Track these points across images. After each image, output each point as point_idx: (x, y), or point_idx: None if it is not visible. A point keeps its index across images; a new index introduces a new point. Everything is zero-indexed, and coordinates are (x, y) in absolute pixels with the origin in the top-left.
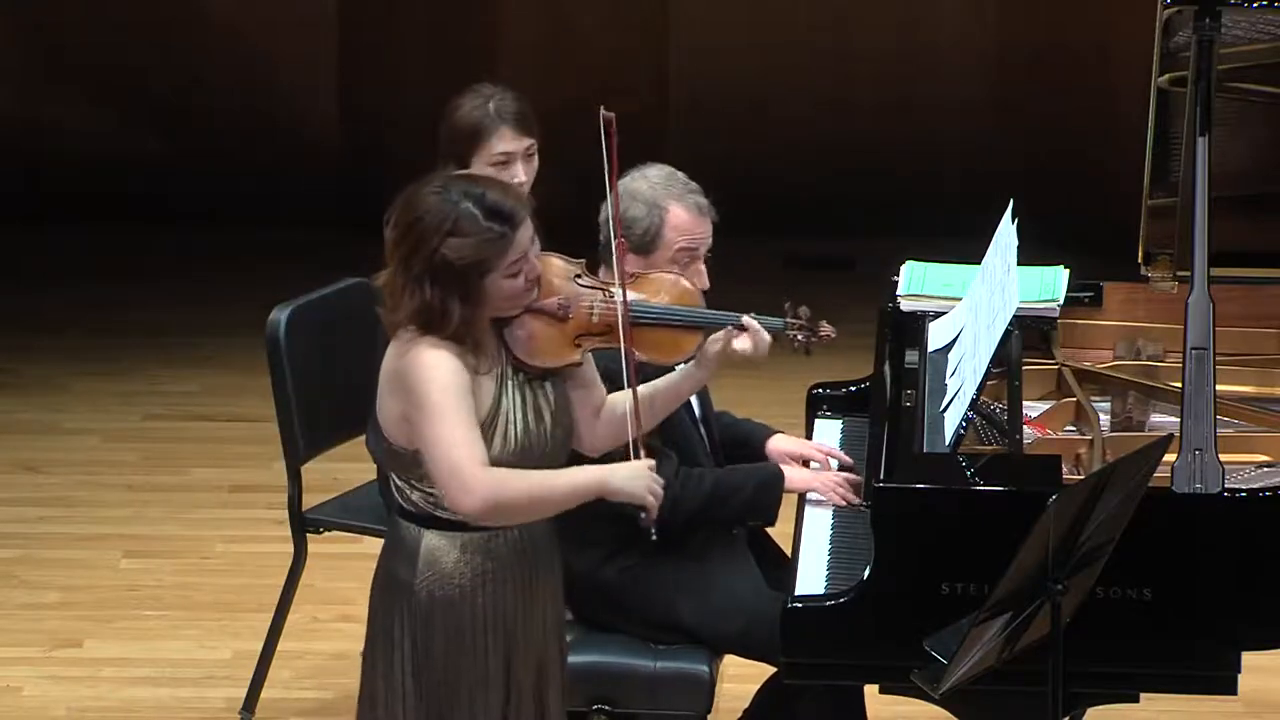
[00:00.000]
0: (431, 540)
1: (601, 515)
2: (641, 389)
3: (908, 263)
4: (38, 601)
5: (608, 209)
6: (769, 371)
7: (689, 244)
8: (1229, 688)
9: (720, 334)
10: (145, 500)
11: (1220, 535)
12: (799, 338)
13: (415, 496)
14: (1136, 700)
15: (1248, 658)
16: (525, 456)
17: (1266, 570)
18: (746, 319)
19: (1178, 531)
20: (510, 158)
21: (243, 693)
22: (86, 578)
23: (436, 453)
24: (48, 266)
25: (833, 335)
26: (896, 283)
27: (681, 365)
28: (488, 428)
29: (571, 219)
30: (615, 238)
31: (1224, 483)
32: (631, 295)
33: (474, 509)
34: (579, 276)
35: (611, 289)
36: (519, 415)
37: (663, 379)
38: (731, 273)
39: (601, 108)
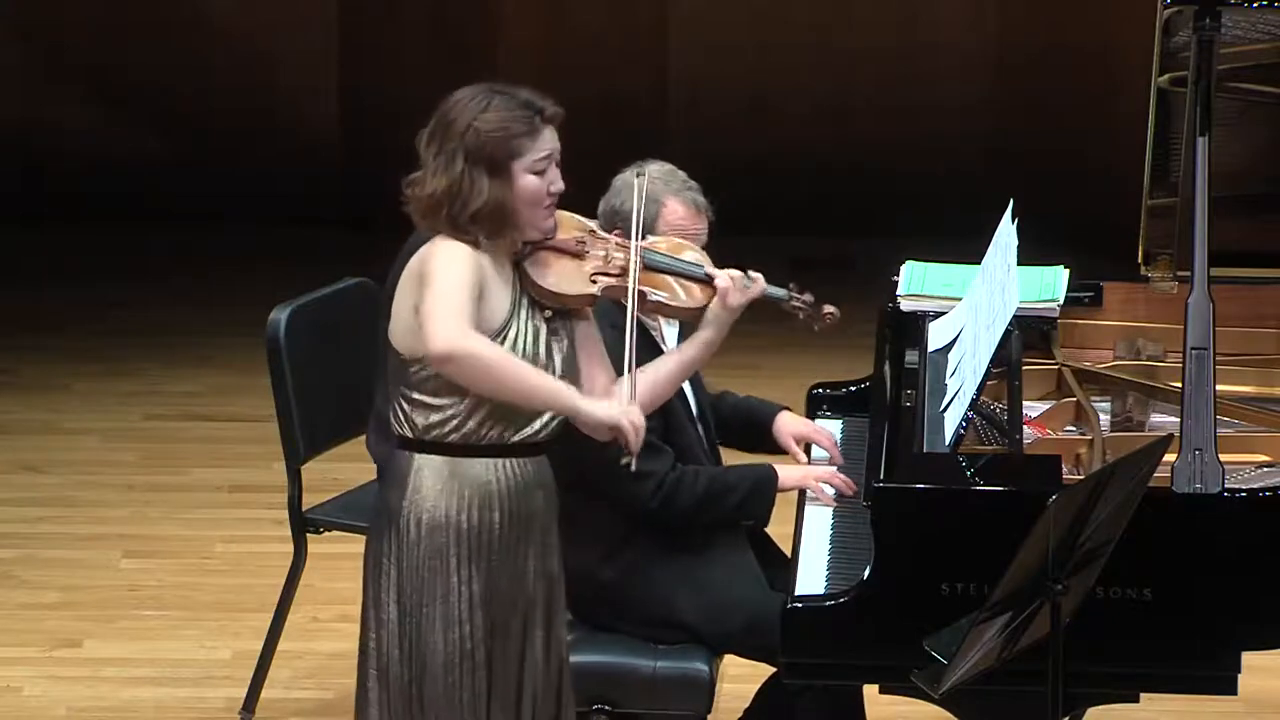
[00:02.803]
0: (421, 463)
1: (602, 513)
2: (653, 361)
3: (908, 263)
4: (38, 601)
5: (609, 200)
6: (769, 371)
7: (683, 237)
8: (1229, 688)
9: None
10: (145, 500)
11: (1220, 535)
12: (801, 313)
13: (417, 417)
14: (1136, 700)
15: (1248, 658)
16: None
17: (1266, 570)
18: (752, 273)
19: (1178, 531)
20: None
21: (243, 693)
22: (86, 578)
23: (429, 303)
24: (48, 266)
25: (836, 315)
26: (896, 283)
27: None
28: (491, 339)
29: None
30: (639, 206)
31: (1224, 483)
32: (646, 247)
33: (443, 346)
34: (593, 230)
35: (625, 242)
36: (525, 343)
37: (673, 351)
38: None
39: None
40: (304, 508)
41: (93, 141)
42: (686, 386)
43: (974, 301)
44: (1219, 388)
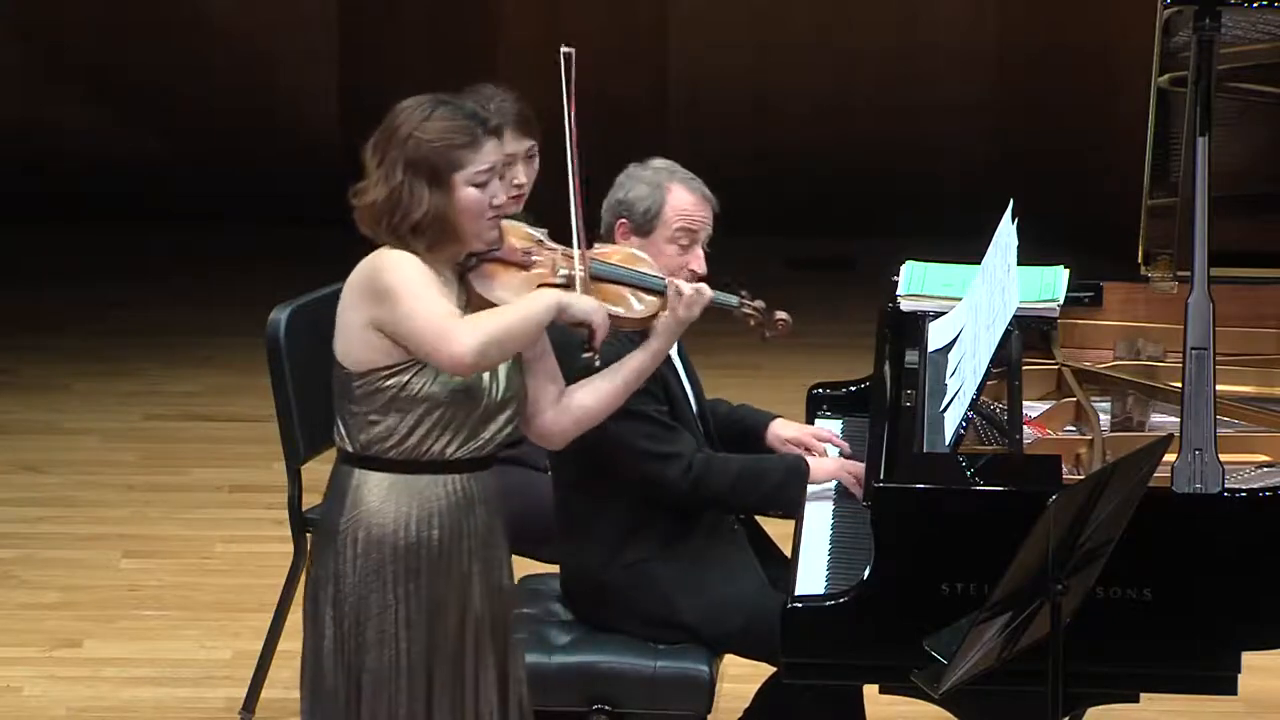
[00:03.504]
0: (361, 479)
1: (603, 513)
2: (599, 374)
3: (908, 263)
4: (38, 601)
5: (614, 193)
6: (769, 371)
7: (689, 224)
8: (1229, 688)
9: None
10: (145, 500)
11: (1220, 535)
12: (752, 320)
13: (358, 433)
14: (1136, 700)
15: (1248, 658)
16: (455, 399)
17: (1266, 570)
18: (700, 284)
19: (1178, 531)
20: (511, 159)
21: (243, 693)
22: (86, 578)
23: (418, 323)
24: (48, 266)
25: (788, 322)
26: (896, 283)
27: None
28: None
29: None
30: (574, 177)
31: (1224, 483)
32: (595, 257)
33: (469, 355)
34: (541, 240)
35: (570, 252)
36: None
37: (621, 362)
38: (732, 272)
39: (562, 46)
40: (304, 508)
41: (93, 141)
42: (686, 385)
43: (974, 301)
44: (1219, 388)
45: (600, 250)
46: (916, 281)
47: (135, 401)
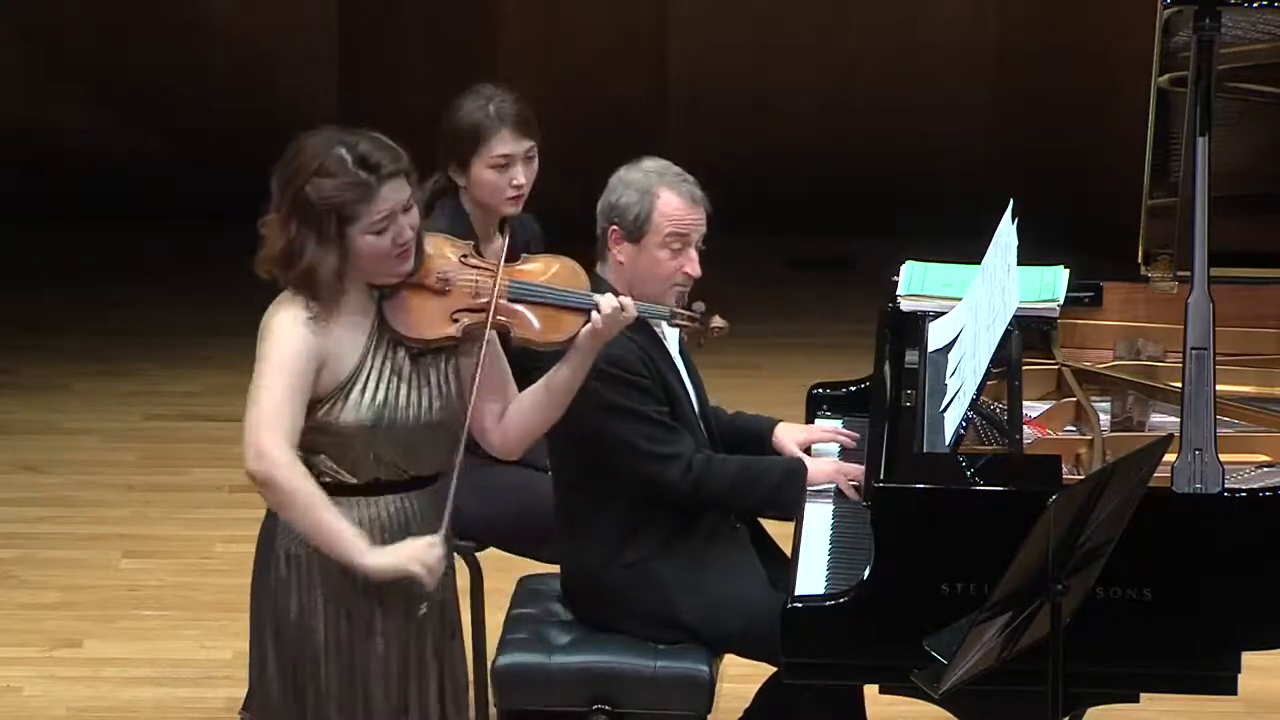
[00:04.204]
0: None
1: (602, 513)
2: (530, 389)
3: (908, 263)
4: (38, 601)
5: (606, 197)
6: (769, 371)
7: (679, 229)
8: (1229, 688)
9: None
10: (145, 500)
11: (1220, 535)
12: (686, 329)
13: None
14: (1136, 700)
15: (1248, 658)
16: (378, 427)
17: (1266, 570)
18: (624, 299)
19: (1178, 531)
20: (510, 160)
21: (243, 693)
22: (86, 578)
23: (250, 411)
24: (48, 266)
25: (724, 329)
26: (896, 283)
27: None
28: (342, 389)
29: (572, 219)
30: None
31: (1224, 483)
32: (516, 276)
33: (251, 470)
34: (465, 257)
35: (495, 270)
36: (379, 385)
37: (541, 380)
38: (732, 272)
39: None
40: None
41: (93, 141)
42: (688, 385)
43: (974, 301)
44: (1219, 388)
45: (525, 269)
46: (916, 281)
47: (135, 401)
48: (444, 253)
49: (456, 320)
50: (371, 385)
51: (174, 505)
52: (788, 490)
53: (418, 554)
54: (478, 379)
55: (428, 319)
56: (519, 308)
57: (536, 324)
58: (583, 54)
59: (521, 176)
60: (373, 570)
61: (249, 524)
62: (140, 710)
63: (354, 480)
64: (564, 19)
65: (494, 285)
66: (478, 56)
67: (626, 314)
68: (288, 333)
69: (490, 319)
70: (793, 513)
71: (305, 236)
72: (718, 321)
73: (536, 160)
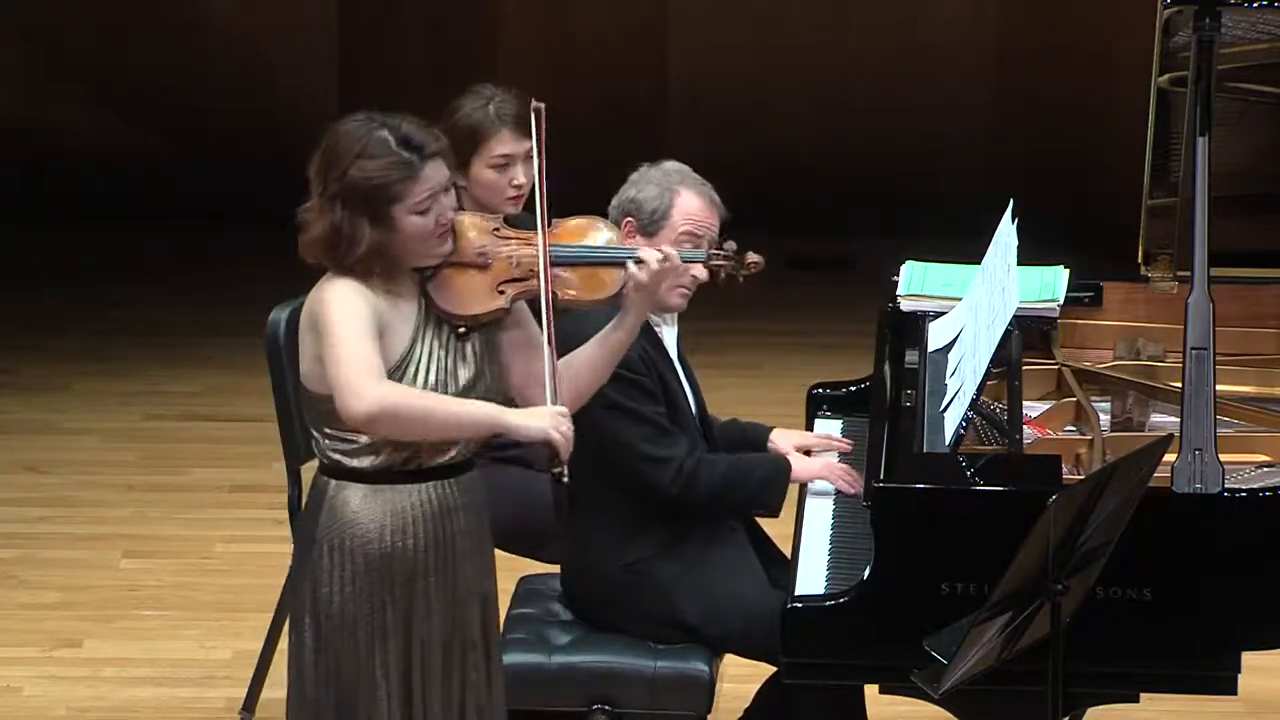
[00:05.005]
0: (337, 490)
1: (603, 513)
2: (581, 350)
3: (908, 263)
4: (38, 601)
5: (625, 190)
6: (769, 371)
7: (694, 229)
8: (1229, 688)
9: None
10: (145, 500)
11: (1220, 535)
12: (723, 269)
13: (329, 449)
14: (1136, 700)
15: (1248, 658)
16: None
17: (1266, 570)
18: (666, 248)
19: (1178, 531)
20: (510, 160)
21: (243, 693)
22: (86, 578)
23: (335, 367)
24: (48, 266)
25: (760, 264)
26: (896, 283)
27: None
28: (396, 372)
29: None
30: (541, 204)
31: (1224, 483)
32: (553, 240)
33: (362, 413)
34: (497, 229)
35: (528, 237)
36: (428, 367)
37: (594, 340)
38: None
39: (533, 100)
40: (304, 508)
41: (93, 141)
42: (686, 387)
43: (974, 301)
44: (1219, 388)
45: (558, 232)
46: (916, 281)
47: (135, 401)
48: (477, 228)
49: (503, 292)
50: (424, 367)
51: (174, 505)
52: (771, 490)
53: (556, 422)
54: (547, 334)
55: (474, 295)
56: (561, 272)
57: (580, 284)
58: (583, 54)
59: (522, 176)
60: (519, 430)
61: (249, 524)
62: (140, 710)
63: (395, 467)
64: (564, 19)
65: (540, 250)
66: (478, 56)
67: (671, 262)
68: (346, 298)
69: (546, 286)
70: (776, 511)
71: (356, 220)
72: (753, 257)
73: None
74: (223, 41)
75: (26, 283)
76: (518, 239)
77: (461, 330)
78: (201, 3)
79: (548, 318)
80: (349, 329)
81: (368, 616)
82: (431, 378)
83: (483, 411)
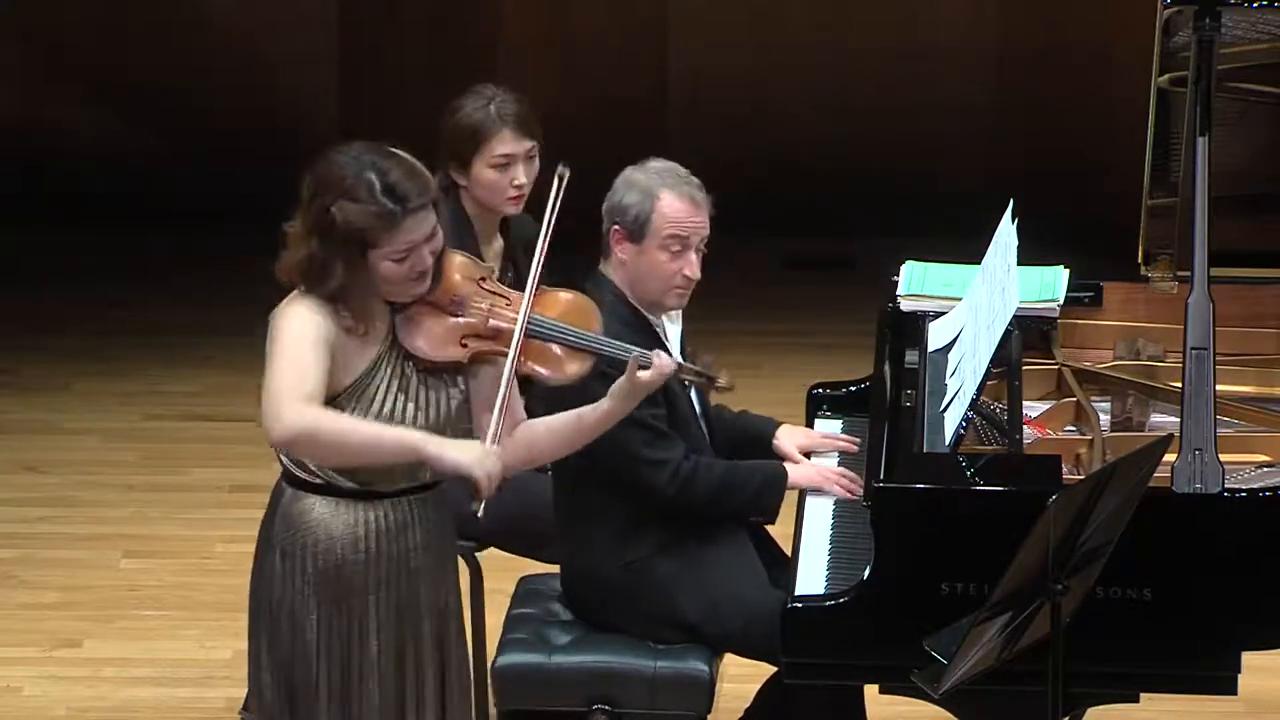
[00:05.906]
0: (293, 498)
1: (603, 513)
2: (555, 417)
3: (908, 263)
4: (38, 601)
5: (611, 197)
6: (769, 371)
7: (678, 231)
8: (1229, 688)
9: (626, 371)
10: (145, 500)
11: (1220, 535)
12: (688, 381)
13: (287, 457)
14: (1136, 700)
15: (1248, 658)
16: None
17: (1266, 570)
18: (665, 360)
19: (1178, 531)
20: (511, 160)
21: (243, 693)
22: (86, 578)
23: (264, 389)
24: (48, 266)
25: (729, 387)
26: (896, 283)
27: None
28: (350, 394)
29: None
30: (535, 272)
31: (1224, 483)
32: (533, 310)
33: (278, 434)
34: (483, 280)
35: (510, 298)
36: (384, 396)
37: (573, 412)
38: (732, 272)
39: (560, 165)
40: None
41: (93, 141)
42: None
43: (974, 301)
44: (1219, 388)
45: (543, 299)
46: (916, 281)
47: (135, 401)
48: (463, 273)
49: (465, 346)
50: (380, 395)
51: (174, 505)
52: (766, 497)
53: (481, 458)
54: (507, 375)
55: (435, 339)
56: (534, 341)
57: (548, 361)
58: (583, 54)
59: (522, 176)
60: (439, 459)
61: (249, 524)
62: (140, 710)
63: (348, 482)
64: (564, 19)
65: (519, 322)
66: (478, 56)
67: (666, 367)
68: (301, 318)
69: (513, 363)
70: (772, 518)
71: (330, 256)
72: (724, 380)
73: (537, 160)
74: (223, 41)
75: (26, 283)
76: (499, 297)
77: (422, 367)
78: (201, 3)
79: (511, 369)
80: (290, 353)
81: (315, 625)
82: (385, 407)
83: (405, 437)
